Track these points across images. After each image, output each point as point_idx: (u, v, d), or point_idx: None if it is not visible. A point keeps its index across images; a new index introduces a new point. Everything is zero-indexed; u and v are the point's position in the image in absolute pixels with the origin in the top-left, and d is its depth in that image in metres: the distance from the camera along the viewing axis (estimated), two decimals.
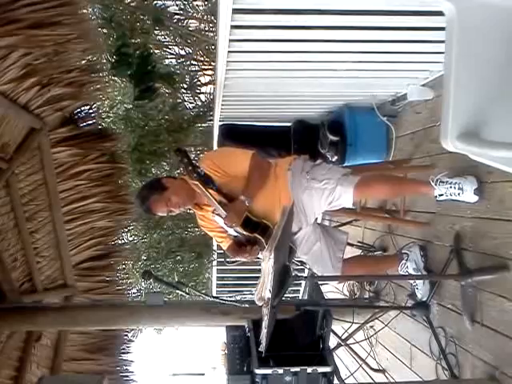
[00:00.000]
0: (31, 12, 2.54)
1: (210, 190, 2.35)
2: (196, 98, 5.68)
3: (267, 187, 2.44)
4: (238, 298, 5.88)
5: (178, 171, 5.32)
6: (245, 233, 2.38)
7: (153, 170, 5.47)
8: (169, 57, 5.43)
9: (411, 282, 2.80)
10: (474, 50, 1.07)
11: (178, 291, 2.75)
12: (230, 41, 2.33)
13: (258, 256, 2.43)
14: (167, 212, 2.47)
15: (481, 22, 1.07)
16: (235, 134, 3.87)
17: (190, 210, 2.65)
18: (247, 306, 2.42)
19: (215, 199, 2.35)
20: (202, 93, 5.69)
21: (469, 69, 1.07)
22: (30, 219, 3.38)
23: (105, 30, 4.46)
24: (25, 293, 3.46)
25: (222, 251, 4.21)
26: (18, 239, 3.29)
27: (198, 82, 5.61)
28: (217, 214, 2.43)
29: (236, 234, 2.45)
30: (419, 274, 2.73)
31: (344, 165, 3.51)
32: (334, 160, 3.59)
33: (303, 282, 5.00)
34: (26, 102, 2.97)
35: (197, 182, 2.31)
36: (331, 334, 2.70)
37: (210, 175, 2.38)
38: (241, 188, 2.38)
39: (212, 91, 5.11)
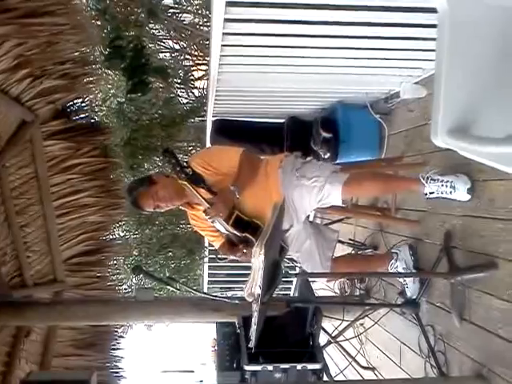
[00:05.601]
0: (24, 1, 2.52)
1: (201, 189, 2.34)
2: (189, 93, 5.65)
3: (258, 185, 2.43)
4: (230, 294, 5.88)
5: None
6: (235, 232, 2.37)
7: (145, 164, 5.44)
8: (163, 51, 5.40)
9: (401, 280, 2.81)
10: (465, 47, 1.07)
11: (168, 287, 2.74)
12: (224, 34, 2.31)
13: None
14: (153, 206, 2.42)
15: (473, 18, 1.07)
16: (228, 130, 3.86)
17: (180, 207, 2.63)
18: (238, 302, 2.42)
19: (205, 198, 2.33)
20: (196, 87, 5.66)
21: (460, 65, 1.07)
22: (20, 213, 3.35)
23: (98, 22, 4.42)
24: (14, 287, 3.43)
25: (213, 248, 4.20)
26: (8, 233, 3.26)
27: (192, 77, 5.58)
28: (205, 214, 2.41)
29: (225, 231, 2.44)
30: (409, 272, 2.74)
31: (336, 162, 3.51)
32: (326, 157, 3.59)
33: (294, 280, 5.01)
34: (17, 94, 2.94)
35: (185, 183, 2.30)
36: (321, 331, 2.70)
37: (200, 173, 2.36)
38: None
39: (205, 86, 5.09)
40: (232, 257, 2.51)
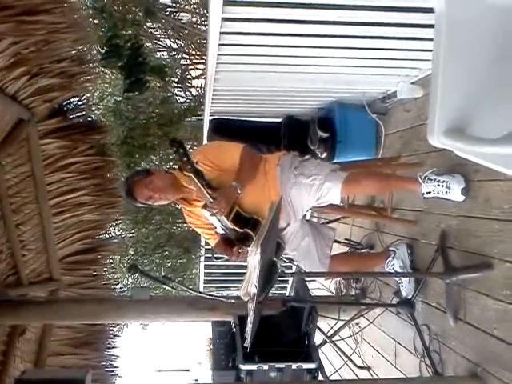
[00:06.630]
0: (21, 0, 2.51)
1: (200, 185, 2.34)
2: (187, 92, 5.65)
3: (257, 182, 2.43)
4: (226, 293, 5.88)
5: (168, 166, 5.30)
6: (236, 228, 2.37)
7: (142, 163, 5.43)
8: (160, 49, 5.39)
9: (397, 279, 2.82)
10: (462, 47, 1.08)
11: (164, 286, 2.73)
12: (221, 33, 2.31)
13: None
14: (146, 197, 2.38)
15: (470, 18, 1.07)
16: (225, 129, 3.86)
17: (177, 204, 2.62)
18: (233, 301, 2.42)
19: (208, 193, 2.31)
20: (193, 86, 5.66)
21: (457, 65, 1.07)
22: (16, 211, 3.34)
23: (95, 21, 4.41)
24: (10, 286, 3.42)
25: (209, 247, 4.19)
26: (4, 232, 3.25)
27: (189, 76, 5.58)
28: (207, 209, 2.40)
29: (223, 230, 2.43)
30: (405, 271, 2.75)
31: (333, 161, 3.51)
32: (323, 156, 3.59)
33: (290, 279, 5.01)
34: (14, 92, 2.93)
35: (190, 174, 2.28)
36: (317, 330, 2.71)
37: (200, 169, 2.36)
38: (231, 181, 2.36)
39: (203, 85, 5.08)
40: (227, 256, 2.51)
